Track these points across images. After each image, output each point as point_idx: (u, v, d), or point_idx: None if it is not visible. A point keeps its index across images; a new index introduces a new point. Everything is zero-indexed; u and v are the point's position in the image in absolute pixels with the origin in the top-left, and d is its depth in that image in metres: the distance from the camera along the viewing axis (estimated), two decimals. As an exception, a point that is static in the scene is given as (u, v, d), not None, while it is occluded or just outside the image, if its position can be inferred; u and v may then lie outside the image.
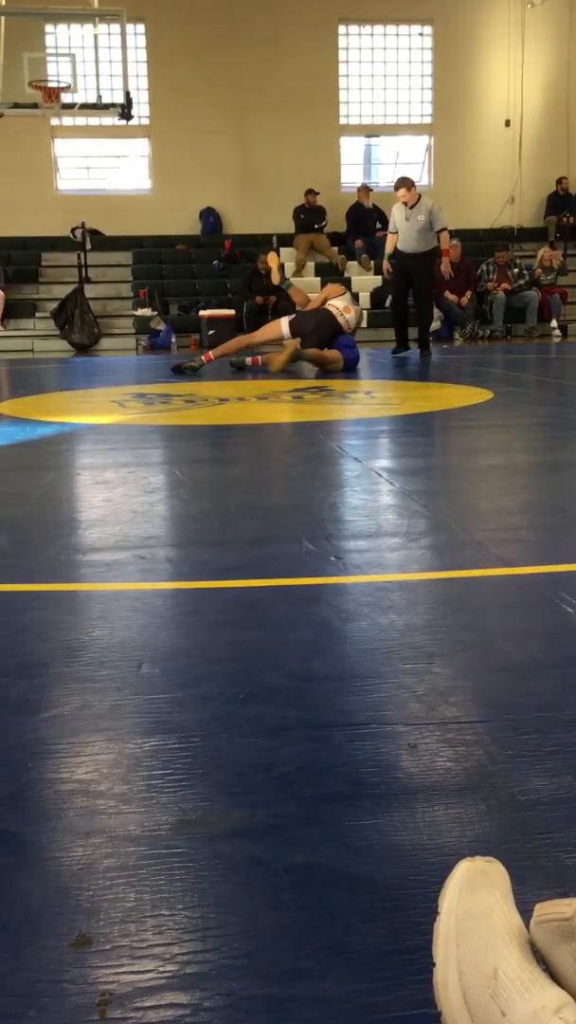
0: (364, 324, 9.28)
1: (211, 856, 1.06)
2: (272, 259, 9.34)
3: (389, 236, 9.65)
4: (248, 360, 8.45)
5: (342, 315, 8.17)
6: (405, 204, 9.28)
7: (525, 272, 13.19)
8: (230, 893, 1.00)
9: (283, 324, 8.31)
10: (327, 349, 8.09)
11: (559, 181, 15.49)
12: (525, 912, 0.79)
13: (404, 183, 9.34)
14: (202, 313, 13.06)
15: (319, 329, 8.12)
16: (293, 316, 8.39)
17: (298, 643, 1.73)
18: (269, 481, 3.50)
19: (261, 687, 1.53)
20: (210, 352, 8.52)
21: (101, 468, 3.74)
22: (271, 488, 3.36)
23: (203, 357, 8.43)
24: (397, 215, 9.41)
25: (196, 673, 1.60)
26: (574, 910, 0.67)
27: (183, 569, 2.29)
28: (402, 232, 9.36)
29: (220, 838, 1.10)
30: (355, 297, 8.55)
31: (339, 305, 8.19)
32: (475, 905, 0.74)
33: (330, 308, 8.19)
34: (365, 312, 9.50)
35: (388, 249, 9.70)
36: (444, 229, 9.40)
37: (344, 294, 8.41)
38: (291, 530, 2.61)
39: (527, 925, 0.73)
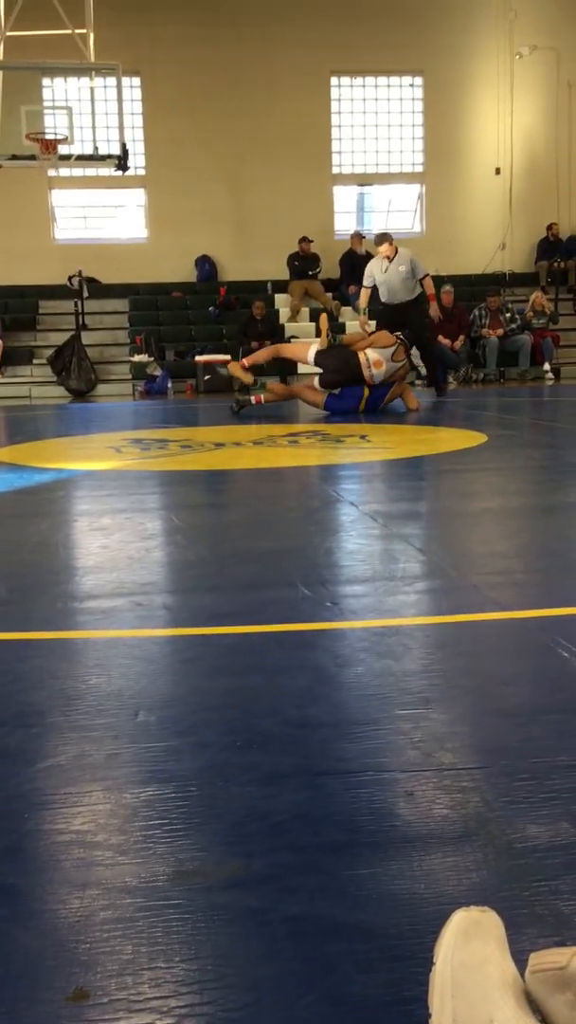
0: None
1: (208, 907, 1.06)
2: (323, 321, 9.28)
3: (363, 291, 9.70)
4: (252, 399, 8.43)
5: (369, 368, 8.11)
6: (387, 258, 9.40)
7: (517, 316, 13.33)
8: (227, 944, 1.00)
9: (311, 351, 8.30)
10: (322, 389, 8.16)
11: (549, 227, 15.71)
12: (521, 961, 0.79)
13: (387, 238, 9.46)
14: (198, 358, 13.18)
15: (341, 370, 8.13)
16: (323, 348, 8.34)
17: (294, 689, 1.73)
18: (265, 526, 3.51)
19: (257, 734, 1.53)
20: (243, 359, 8.61)
21: (98, 514, 3.75)
22: (267, 533, 3.38)
23: (249, 386, 8.55)
24: (375, 269, 9.49)
25: (192, 720, 1.60)
26: (568, 959, 0.67)
27: (180, 615, 2.30)
28: (384, 285, 9.44)
29: (216, 889, 1.10)
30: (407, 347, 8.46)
31: (372, 356, 8.12)
32: (470, 956, 0.74)
33: (361, 355, 8.15)
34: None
35: (363, 303, 9.80)
36: (427, 275, 9.59)
37: (391, 346, 8.26)
38: (287, 575, 2.62)
39: (523, 974, 0.73)
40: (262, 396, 8.46)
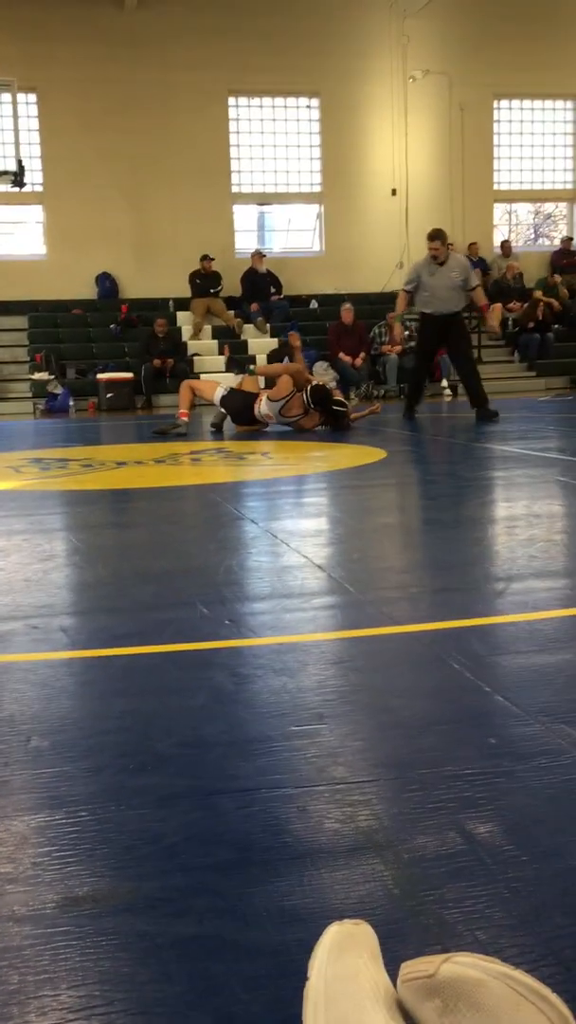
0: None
1: (96, 933, 1.06)
2: (294, 339, 8.95)
3: (401, 295, 8.58)
4: (177, 422, 8.22)
5: (261, 417, 8.14)
6: (435, 259, 8.15)
7: (415, 334, 13.58)
8: (115, 970, 0.99)
9: (218, 392, 8.21)
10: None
11: (445, 246, 16.08)
12: (396, 971, 0.81)
13: (439, 235, 8.15)
14: (100, 376, 13.06)
15: (240, 412, 8.18)
16: (228, 392, 8.19)
17: (190, 709, 1.73)
18: (165, 545, 3.50)
19: (152, 756, 1.53)
20: (182, 409, 8.24)
21: (-6, 537, 3.68)
22: (167, 552, 3.37)
23: (182, 417, 8.17)
24: (422, 271, 8.25)
25: (87, 745, 1.58)
26: (436, 967, 0.69)
27: (77, 638, 2.27)
28: (431, 291, 8.21)
29: (106, 914, 1.09)
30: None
31: (263, 409, 8.07)
32: (343, 968, 0.75)
33: (257, 403, 8.11)
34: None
35: (400, 308, 8.75)
36: (478, 286, 8.48)
37: (282, 399, 7.99)
38: (186, 594, 2.62)
39: (396, 984, 0.75)
40: (183, 413, 8.28)
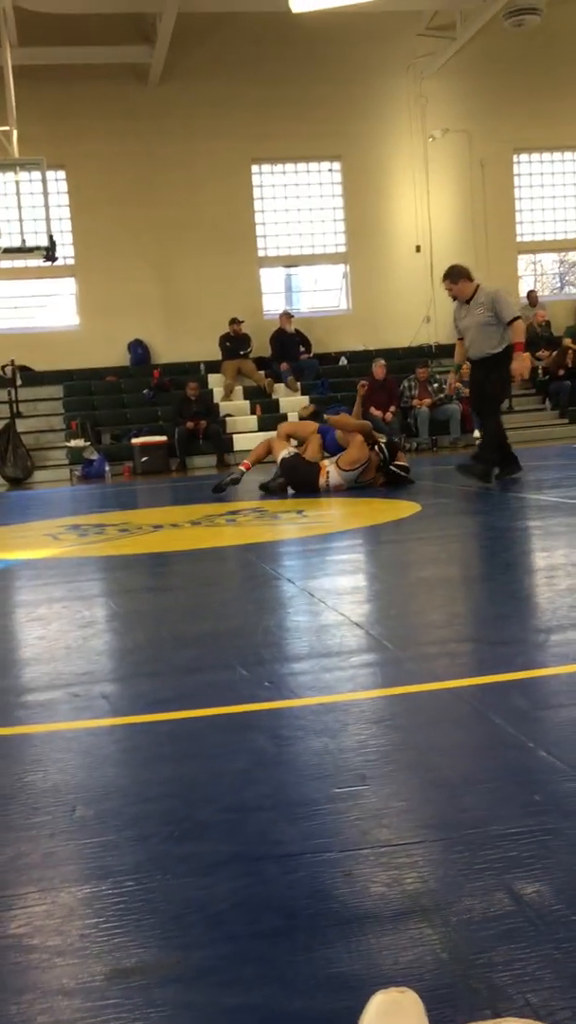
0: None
1: (146, 1004, 1.06)
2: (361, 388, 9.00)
3: (457, 344, 7.81)
4: (239, 469, 8.46)
5: (328, 486, 8.03)
6: (455, 299, 7.40)
7: (444, 387, 13.64)
8: (165, 1042, 0.99)
9: (283, 452, 8.24)
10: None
11: (471, 299, 16.21)
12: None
13: (448, 274, 7.38)
14: (134, 441, 13.23)
15: (298, 477, 8.15)
16: (292, 456, 8.20)
17: (232, 773, 1.73)
18: (203, 608, 3.52)
19: (196, 823, 1.53)
20: (247, 461, 8.49)
21: (34, 604, 3.72)
22: (205, 615, 3.38)
23: (242, 467, 8.44)
24: (456, 315, 7.55)
25: (131, 813, 1.59)
26: (484, 1033, 0.69)
27: (118, 704, 2.29)
28: (464, 333, 7.43)
29: (155, 985, 1.09)
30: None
31: (333, 479, 7.94)
32: (389, 1036, 0.75)
33: (323, 473, 8.02)
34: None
35: (457, 358, 8.01)
36: (517, 318, 7.23)
37: (359, 466, 7.90)
38: (225, 657, 2.63)
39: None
40: (247, 463, 8.48)
